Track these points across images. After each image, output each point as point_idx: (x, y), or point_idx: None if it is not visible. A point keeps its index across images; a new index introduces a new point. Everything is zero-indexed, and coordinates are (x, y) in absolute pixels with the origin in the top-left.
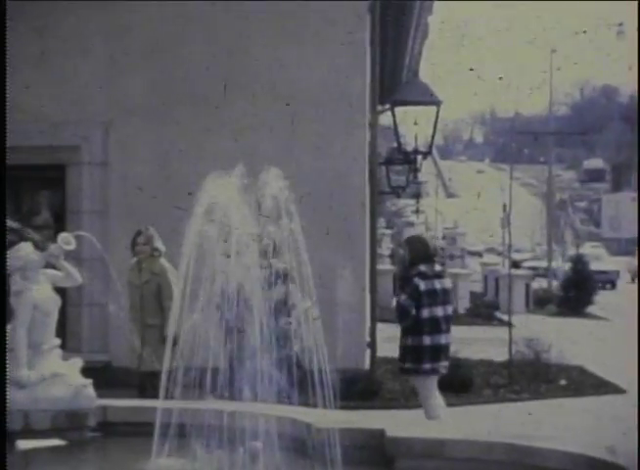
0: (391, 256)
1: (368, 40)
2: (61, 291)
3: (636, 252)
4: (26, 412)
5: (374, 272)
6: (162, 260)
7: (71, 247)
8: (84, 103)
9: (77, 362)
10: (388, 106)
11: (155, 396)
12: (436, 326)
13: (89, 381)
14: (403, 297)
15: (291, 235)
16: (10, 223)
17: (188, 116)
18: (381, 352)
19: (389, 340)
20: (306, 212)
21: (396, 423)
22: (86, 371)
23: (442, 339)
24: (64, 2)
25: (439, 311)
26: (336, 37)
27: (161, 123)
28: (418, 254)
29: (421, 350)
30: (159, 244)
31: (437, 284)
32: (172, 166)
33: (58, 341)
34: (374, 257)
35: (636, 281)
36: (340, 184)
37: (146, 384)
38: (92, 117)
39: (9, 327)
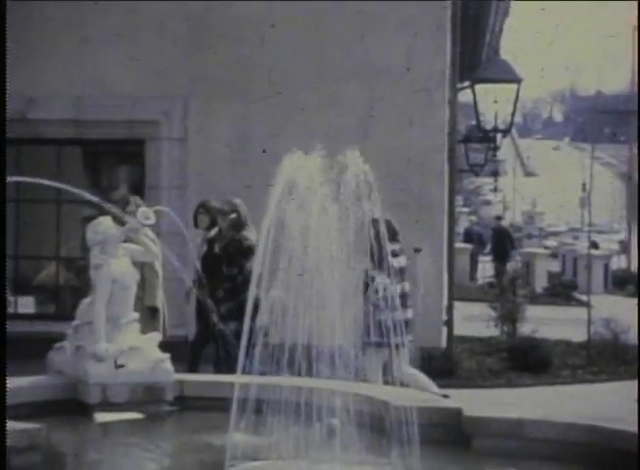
0: (466, 234)
1: (449, 18)
2: (139, 265)
3: None
4: (104, 386)
5: (452, 251)
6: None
7: (151, 221)
8: (165, 78)
9: (155, 336)
10: (468, 83)
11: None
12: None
13: (167, 355)
14: (380, 274)
15: (371, 214)
16: (89, 197)
17: (268, 94)
18: (457, 331)
19: (467, 318)
20: (385, 191)
21: (473, 402)
22: (164, 345)
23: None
24: None
25: (402, 288)
26: (417, 15)
27: (241, 100)
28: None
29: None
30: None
31: (395, 263)
32: (251, 144)
33: (136, 315)
34: (452, 235)
35: None
36: (419, 162)
37: None
38: (172, 92)
39: (88, 300)
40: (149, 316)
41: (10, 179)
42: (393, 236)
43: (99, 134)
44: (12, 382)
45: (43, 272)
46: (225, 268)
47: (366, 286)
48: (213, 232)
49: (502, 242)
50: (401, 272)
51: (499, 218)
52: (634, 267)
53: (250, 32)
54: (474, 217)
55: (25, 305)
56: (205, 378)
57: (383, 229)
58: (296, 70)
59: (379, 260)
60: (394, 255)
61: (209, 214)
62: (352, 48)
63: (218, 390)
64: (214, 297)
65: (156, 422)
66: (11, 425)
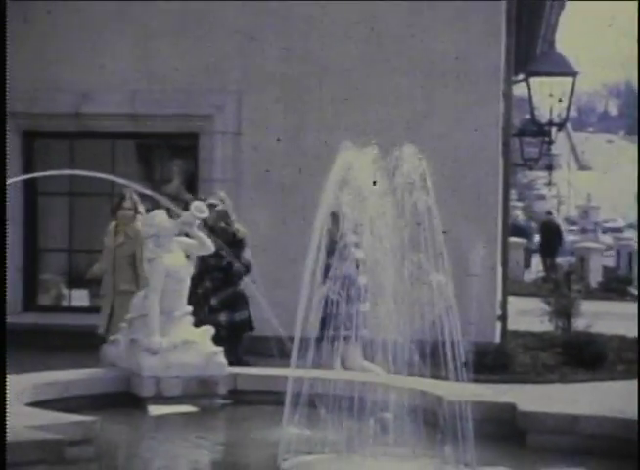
0: (523, 228)
1: (504, 10)
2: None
3: None
4: (158, 379)
5: (506, 245)
6: (139, 224)
7: (204, 215)
8: (219, 72)
9: (209, 330)
10: (522, 77)
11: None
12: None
13: (220, 348)
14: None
15: (426, 208)
16: (143, 190)
17: (321, 86)
18: (511, 326)
19: (521, 313)
20: (439, 185)
21: (528, 397)
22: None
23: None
24: None
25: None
26: (472, 8)
27: (295, 94)
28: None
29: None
30: (142, 208)
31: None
32: (304, 137)
33: (189, 308)
34: (506, 229)
35: None
36: (473, 156)
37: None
38: (226, 86)
39: (142, 294)
40: None
41: (64, 173)
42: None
43: (153, 128)
44: (66, 375)
45: (97, 266)
46: (214, 260)
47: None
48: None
49: (551, 237)
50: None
51: (549, 213)
52: None
53: (304, 25)
54: (518, 212)
55: (80, 298)
56: (258, 371)
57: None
58: (349, 63)
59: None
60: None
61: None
62: (406, 41)
63: (272, 383)
64: (204, 288)
65: (209, 415)
66: (65, 417)
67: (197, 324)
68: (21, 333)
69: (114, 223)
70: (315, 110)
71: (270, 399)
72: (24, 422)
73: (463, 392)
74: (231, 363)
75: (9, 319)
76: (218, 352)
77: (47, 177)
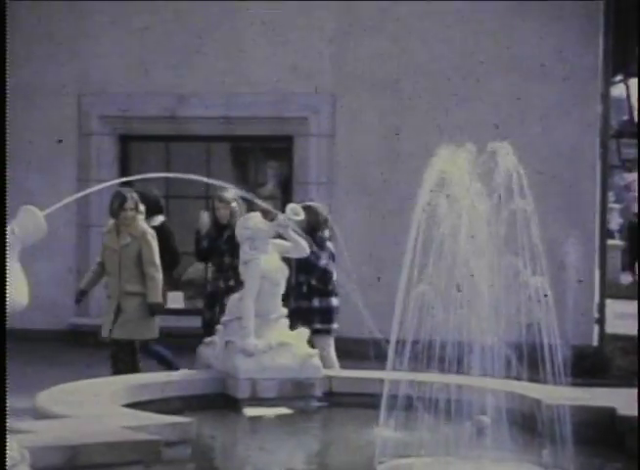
0: (620, 231)
1: (602, 10)
2: (288, 261)
3: None
4: (254, 380)
5: (604, 247)
6: (142, 223)
7: (300, 217)
8: (314, 74)
9: (304, 332)
10: (621, 77)
11: (126, 366)
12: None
13: (316, 351)
14: (324, 261)
15: (523, 210)
16: (239, 193)
17: (415, 88)
18: (609, 329)
19: (619, 316)
20: (536, 185)
21: (627, 401)
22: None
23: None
24: None
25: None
26: (569, 8)
27: (389, 95)
28: (317, 220)
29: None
30: (142, 207)
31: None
32: (399, 138)
33: (285, 311)
34: (604, 231)
35: None
36: (570, 157)
37: (118, 354)
38: (321, 88)
39: (237, 296)
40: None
41: (159, 175)
42: (325, 222)
43: (248, 131)
44: (162, 376)
45: (192, 268)
46: (228, 259)
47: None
48: (206, 225)
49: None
50: (333, 258)
51: (637, 215)
52: None
53: (398, 26)
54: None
55: (175, 300)
56: (354, 374)
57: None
58: (444, 62)
59: (318, 245)
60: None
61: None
62: (502, 41)
63: (368, 386)
64: (216, 287)
65: (304, 417)
66: (162, 418)
67: (208, 323)
68: None
69: (112, 223)
70: (410, 111)
71: (366, 401)
72: (122, 423)
73: (561, 395)
74: None
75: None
76: (314, 355)
77: (143, 180)
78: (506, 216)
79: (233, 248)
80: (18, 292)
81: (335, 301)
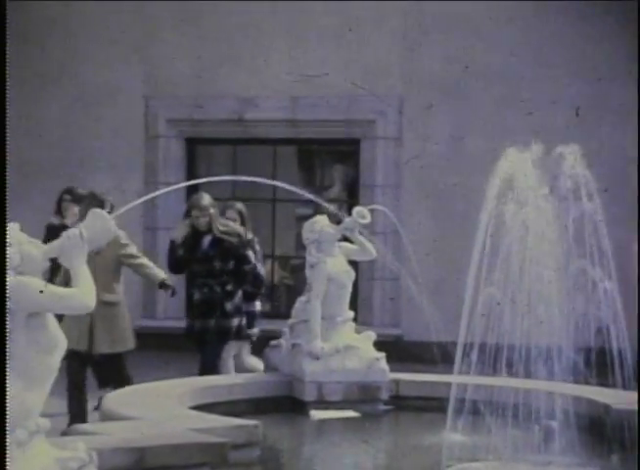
0: None
1: None
2: (354, 264)
3: None
4: (320, 384)
5: None
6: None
7: (366, 220)
8: (380, 77)
9: (370, 336)
10: None
11: (109, 380)
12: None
13: (382, 354)
14: (257, 265)
15: (591, 214)
16: (306, 196)
17: (483, 90)
18: None
19: None
20: (603, 188)
21: None
22: (378, 344)
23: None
24: None
25: None
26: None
27: (457, 97)
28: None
29: (254, 315)
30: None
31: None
32: (466, 140)
33: (351, 314)
34: None
35: None
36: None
37: (100, 370)
38: (388, 91)
39: (304, 299)
40: None
41: (226, 178)
42: (245, 223)
43: (314, 134)
44: (228, 378)
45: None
46: (219, 264)
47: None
48: (183, 230)
49: None
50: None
51: None
52: None
53: (466, 29)
54: None
55: None
56: (421, 378)
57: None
58: (513, 65)
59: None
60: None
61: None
62: (572, 45)
63: (434, 390)
64: (213, 292)
65: (371, 421)
66: (228, 421)
67: (206, 330)
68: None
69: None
70: (477, 113)
71: (433, 405)
72: (188, 425)
73: (630, 400)
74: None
75: (175, 323)
76: (380, 358)
77: (210, 183)
78: (574, 220)
79: (222, 253)
80: (86, 294)
81: (258, 305)
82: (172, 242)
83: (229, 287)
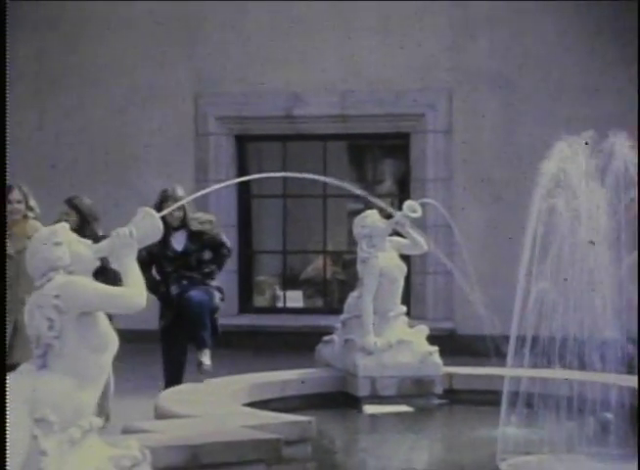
0: None
1: None
2: (406, 258)
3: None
4: (373, 378)
5: None
6: (38, 224)
7: (417, 214)
8: (429, 70)
9: (423, 330)
10: None
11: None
12: None
13: (435, 348)
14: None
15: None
16: (356, 191)
17: (533, 81)
18: None
19: None
20: None
21: None
22: (431, 338)
23: None
24: None
25: None
26: None
27: (506, 89)
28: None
29: None
30: (33, 202)
31: None
32: (517, 132)
33: (404, 308)
34: None
35: None
36: None
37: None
38: (436, 84)
39: (355, 294)
40: None
41: (277, 175)
42: (94, 216)
43: (364, 129)
44: (281, 375)
45: (310, 266)
46: (196, 257)
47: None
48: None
49: None
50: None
51: None
52: None
53: (515, 20)
54: None
55: (294, 299)
56: (474, 371)
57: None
58: (561, 56)
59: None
60: None
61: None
62: (623, 32)
63: (488, 383)
64: (200, 279)
65: (424, 415)
66: (282, 417)
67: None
68: (237, 334)
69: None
70: (527, 104)
71: (487, 398)
72: (242, 422)
73: None
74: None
75: (226, 321)
76: (433, 352)
77: (260, 180)
78: (622, 210)
79: (200, 246)
80: (136, 293)
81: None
82: None
83: (207, 269)
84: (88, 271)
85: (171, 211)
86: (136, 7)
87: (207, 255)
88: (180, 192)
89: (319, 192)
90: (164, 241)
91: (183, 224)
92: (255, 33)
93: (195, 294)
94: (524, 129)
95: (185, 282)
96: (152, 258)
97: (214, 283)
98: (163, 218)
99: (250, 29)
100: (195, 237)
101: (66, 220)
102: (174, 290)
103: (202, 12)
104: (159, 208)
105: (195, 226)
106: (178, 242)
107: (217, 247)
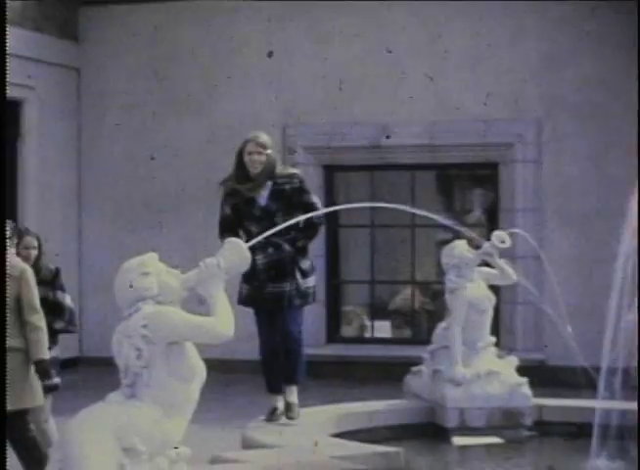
0: None
1: None
2: (495, 288)
3: None
4: (462, 409)
5: None
6: (19, 260)
7: (506, 245)
8: (517, 100)
9: (513, 361)
10: None
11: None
12: None
13: (524, 379)
14: (68, 300)
15: None
16: (444, 221)
17: (621, 111)
18: None
19: None
20: None
21: None
22: (521, 369)
23: None
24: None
25: None
26: None
27: (595, 119)
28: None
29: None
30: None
31: None
32: (608, 163)
33: (493, 339)
34: None
35: None
36: None
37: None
38: (526, 114)
39: (444, 324)
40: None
41: (366, 205)
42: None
43: (452, 158)
44: (369, 405)
45: (399, 297)
46: (282, 219)
47: None
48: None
49: None
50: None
51: None
52: None
53: (602, 50)
54: None
55: (382, 329)
56: (564, 403)
57: None
58: None
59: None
60: None
61: None
62: None
63: (579, 415)
64: (289, 251)
65: (514, 447)
66: (370, 448)
67: (281, 295)
68: (325, 364)
69: None
70: (618, 134)
71: (577, 430)
72: (330, 452)
73: None
74: None
75: (314, 351)
76: (523, 383)
77: (348, 209)
78: None
79: (287, 204)
80: (224, 323)
81: (56, 349)
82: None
83: (300, 243)
84: (177, 301)
85: (256, 155)
86: (223, 37)
87: (297, 219)
88: (264, 138)
89: (407, 222)
90: (250, 198)
91: (269, 176)
92: (342, 63)
93: (294, 326)
94: (614, 160)
95: (271, 250)
96: (237, 216)
97: (307, 262)
98: (245, 166)
99: (337, 59)
100: (278, 193)
101: (34, 251)
102: (259, 260)
103: (288, 42)
104: (240, 154)
105: (279, 178)
106: (262, 198)
107: (306, 208)
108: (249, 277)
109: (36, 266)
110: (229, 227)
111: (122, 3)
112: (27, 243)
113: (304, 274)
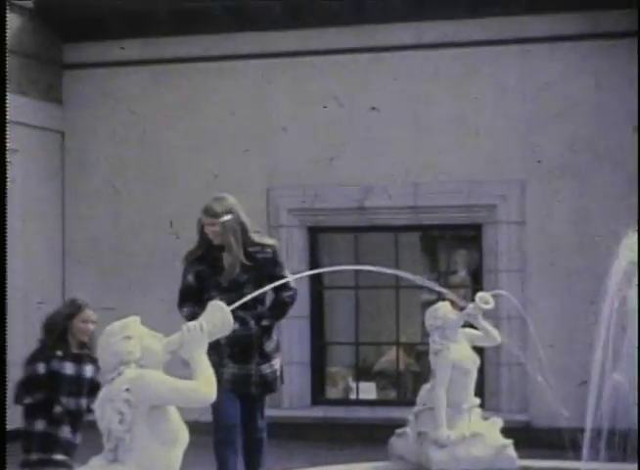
0: None
1: None
2: (479, 350)
3: None
4: None
5: None
6: None
7: (490, 306)
8: (500, 162)
9: (497, 422)
10: None
11: None
12: None
13: (510, 441)
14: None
15: None
16: (427, 283)
17: (606, 172)
18: None
19: None
20: None
21: None
22: (506, 431)
23: None
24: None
25: None
26: None
27: (578, 180)
28: None
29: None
30: None
31: None
32: (591, 224)
33: (477, 400)
34: None
35: None
36: None
37: None
38: (508, 175)
39: (428, 386)
40: None
41: (349, 268)
42: None
43: (436, 219)
44: (354, 468)
45: (384, 358)
46: (251, 290)
47: None
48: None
49: None
50: None
51: None
52: None
53: (584, 112)
54: None
55: (367, 390)
56: (550, 464)
57: None
58: (617, 146)
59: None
60: None
61: None
62: None
63: None
64: (255, 329)
65: None
66: None
67: (247, 378)
68: (310, 426)
69: None
70: (601, 196)
71: None
72: None
73: None
74: None
75: (298, 413)
76: (508, 445)
77: (333, 271)
78: None
79: (257, 276)
80: (207, 386)
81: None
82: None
83: (265, 322)
84: (159, 365)
85: (209, 226)
86: (209, 100)
87: (267, 293)
88: (215, 206)
89: (391, 283)
90: (215, 264)
91: (239, 243)
92: (327, 126)
93: (259, 415)
94: (596, 220)
95: (236, 326)
96: (201, 286)
97: (271, 344)
98: (206, 235)
99: (321, 122)
100: (249, 263)
101: (92, 325)
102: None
103: (274, 103)
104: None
105: (251, 247)
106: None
107: (277, 283)
108: (208, 350)
109: (91, 342)
110: (190, 297)
111: (105, 66)
112: (87, 316)
113: (269, 358)
